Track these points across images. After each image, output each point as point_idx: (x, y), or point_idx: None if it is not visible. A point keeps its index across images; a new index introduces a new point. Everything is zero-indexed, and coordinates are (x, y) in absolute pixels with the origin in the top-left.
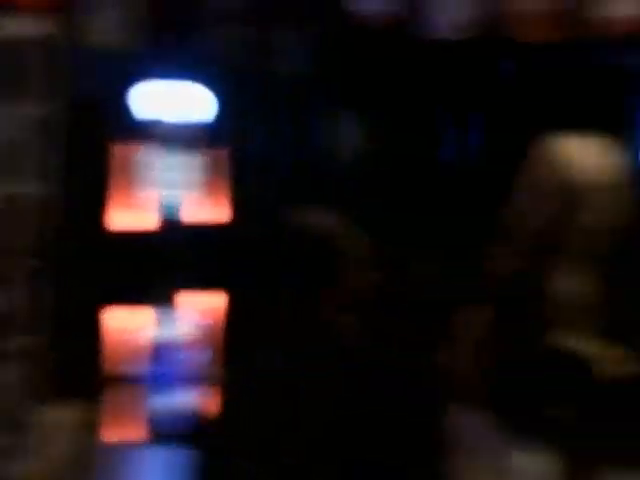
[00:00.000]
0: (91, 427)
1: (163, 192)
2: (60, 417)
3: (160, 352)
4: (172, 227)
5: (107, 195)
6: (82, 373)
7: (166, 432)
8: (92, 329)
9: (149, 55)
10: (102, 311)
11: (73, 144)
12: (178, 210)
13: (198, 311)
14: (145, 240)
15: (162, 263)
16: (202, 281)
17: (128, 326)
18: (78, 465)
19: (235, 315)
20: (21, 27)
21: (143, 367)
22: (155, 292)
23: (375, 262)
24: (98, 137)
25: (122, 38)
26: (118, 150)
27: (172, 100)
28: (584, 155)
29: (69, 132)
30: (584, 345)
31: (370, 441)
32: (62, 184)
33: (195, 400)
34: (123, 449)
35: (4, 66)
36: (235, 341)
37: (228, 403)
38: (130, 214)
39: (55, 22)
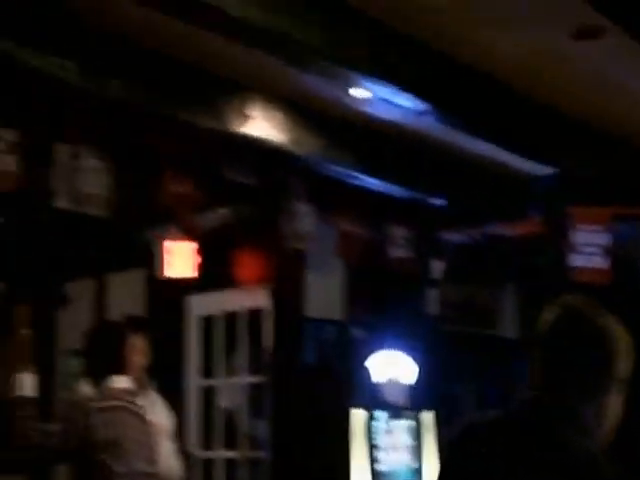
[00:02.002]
0: None
1: (384, 454)
2: None
3: None
4: None
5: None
6: None
7: None
8: None
9: (365, 326)
10: None
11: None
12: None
13: None
14: None
15: None
16: None
17: None
18: None
19: None
20: (240, 299)
21: None
22: None
23: None
24: (335, 401)
25: (336, 312)
26: (354, 414)
27: (389, 367)
28: None
29: (307, 395)
30: None
31: None
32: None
33: None
34: None
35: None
36: None
37: None
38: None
39: (271, 294)
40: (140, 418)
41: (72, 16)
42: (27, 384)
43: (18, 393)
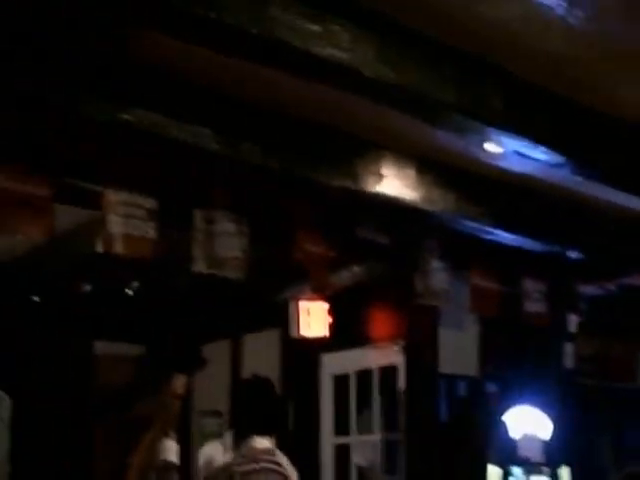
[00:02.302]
0: None
1: None
2: None
3: None
4: None
5: None
6: None
7: None
8: None
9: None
10: None
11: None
12: None
13: None
14: None
15: None
16: None
17: None
18: None
19: None
20: (373, 357)
21: None
22: None
23: None
24: (470, 457)
25: (470, 367)
26: (490, 470)
27: (524, 422)
28: None
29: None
30: None
31: None
32: None
33: None
34: None
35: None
36: None
37: None
38: None
39: (404, 351)
40: (284, 477)
41: (206, 84)
42: (171, 449)
43: (162, 458)
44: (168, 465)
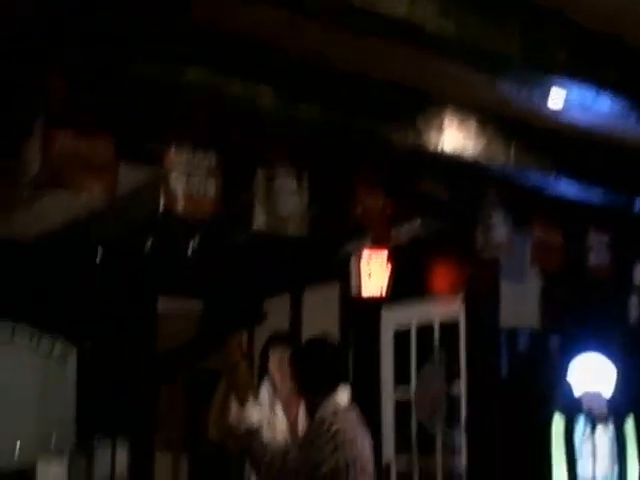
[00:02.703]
0: None
1: (585, 462)
2: None
3: None
4: None
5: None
6: None
7: None
8: None
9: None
10: None
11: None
12: None
13: None
14: None
15: None
16: None
17: None
18: None
19: None
20: (434, 311)
21: None
22: None
23: None
24: (533, 410)
25: (532, 320)
26: (555, 422)
27: (588, 375)
28: None
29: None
30: None
31: None
32: None
33: None
34: None
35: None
36: None
37: None
38: None
39: (465, 305)
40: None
41: (265, 43)
42: (251, 413)
43: (244, 425)
44: (249, 430)
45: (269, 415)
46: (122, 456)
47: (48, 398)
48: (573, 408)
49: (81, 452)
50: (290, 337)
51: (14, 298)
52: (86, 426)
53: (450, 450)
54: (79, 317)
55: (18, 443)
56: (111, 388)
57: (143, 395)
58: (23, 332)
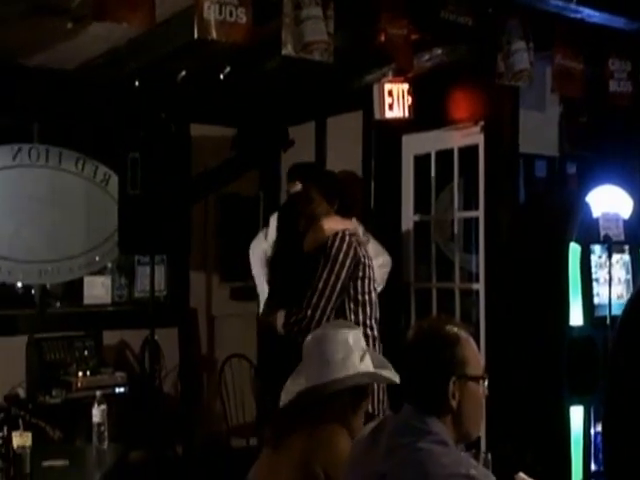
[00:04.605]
0: None
1: (600, 287)
2: None
3: None
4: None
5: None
6: None
7: None
8: None
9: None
10: None
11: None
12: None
13: None
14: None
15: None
16: None
17: None
18: None
19: None
20: (455, 137)
21: None
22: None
23: None
24: (549, 236)
25: (551, 148)
26: (571, 248)
27: (605, 202)
28: None
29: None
30: None
31: None
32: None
33: None
34: None
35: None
36: None
37: None
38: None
39: (484, 131)
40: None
41: None
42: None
43: None
44: None
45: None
46: (160, 272)
47: (92, 220)
48: (589, 235)
49: (123, 269)
50: (307, 169)
51: (62, 126)
52: (127, 246)
53: (467, 271)
54: (119, 144)
55: (67, 262)
56: (149, 210)
57: (178, 216)
58: (69, 157)
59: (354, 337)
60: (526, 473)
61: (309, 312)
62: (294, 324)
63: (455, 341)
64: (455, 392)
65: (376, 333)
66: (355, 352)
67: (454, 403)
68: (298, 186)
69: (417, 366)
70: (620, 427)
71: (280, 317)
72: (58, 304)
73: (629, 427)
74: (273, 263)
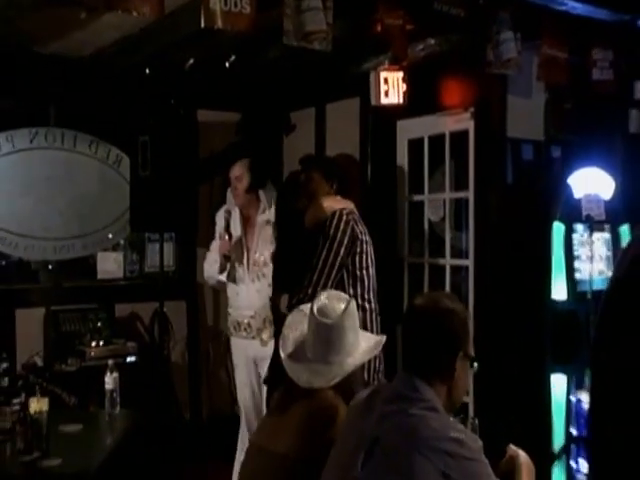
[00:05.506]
0: None
1: (583, 264)
2: None
3: None
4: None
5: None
6: None
7: None
8: None
9: (565, 145)
10: None
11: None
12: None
13: None
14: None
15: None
16: None
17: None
18: None
19: None
20: (446, 122)
21: None
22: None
23: None
24: (534, 215)
25: (536, 132)
26: (555, 227)
27: (588, 183)
28: None
29: (507, 209)
30: None
31: None
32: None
33: None
34: None
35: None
36: None
37: None
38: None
39: (474, 117)
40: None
41: None
42: None
43: None
44: None
45: None
46: (169, 249)
47: (105, 200)
48: (572, 215)
49: (134, 246)
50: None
51: (76, 110)
52: (138, 224)
53: (457, 248)
54: (130, 127)
55: (82, 239)
56: (159, 191)
57: (186, 197)
58: (84, 140)
59: (352, 312)
60: (510, 438)
61: (310, 290)
62: (297, 304)
63: (466, 319)
64: (457, 366)
65: (374, 306)
66: (358, 335)
67: (455, 375)
68: (237, 170)
69: (428, 336)
70: (606, 404)
71: (284, 300)
72: (73, 279)
73: (615, 402)
74: (277, 242)
